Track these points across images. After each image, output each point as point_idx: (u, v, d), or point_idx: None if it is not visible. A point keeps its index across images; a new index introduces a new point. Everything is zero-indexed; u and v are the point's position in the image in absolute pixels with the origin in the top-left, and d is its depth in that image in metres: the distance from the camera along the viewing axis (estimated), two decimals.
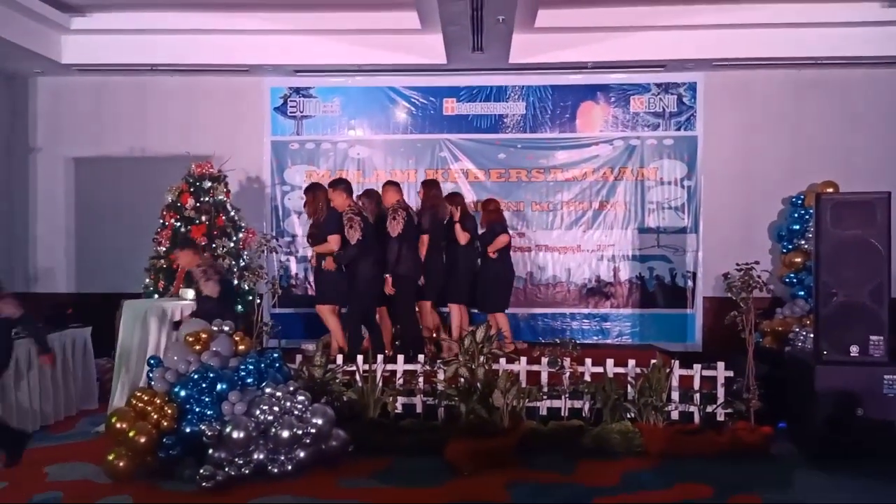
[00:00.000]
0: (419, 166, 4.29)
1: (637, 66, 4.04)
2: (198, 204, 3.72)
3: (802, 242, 3.74)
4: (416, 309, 3.53)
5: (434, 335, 3.51)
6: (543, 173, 4.24)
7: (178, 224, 3.71)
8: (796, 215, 3.79)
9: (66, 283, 4.44)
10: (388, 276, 3.32)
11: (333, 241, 3.26)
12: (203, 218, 3.70)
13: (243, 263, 3.73)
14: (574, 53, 3.91)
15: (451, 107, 4.26)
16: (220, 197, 3.81)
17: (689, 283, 4.16)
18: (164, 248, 3.69)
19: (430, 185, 3.61)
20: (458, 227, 3.53)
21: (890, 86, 3.85)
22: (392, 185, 3.56)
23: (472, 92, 4.24)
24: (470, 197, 4.19)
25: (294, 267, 4.34)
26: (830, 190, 3.60)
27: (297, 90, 4.36)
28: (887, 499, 2.10)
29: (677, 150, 4.21)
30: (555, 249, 4.19)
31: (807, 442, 2.60)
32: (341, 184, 3.50)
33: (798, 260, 3.72)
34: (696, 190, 4.19)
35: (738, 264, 2.87)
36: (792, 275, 3.78)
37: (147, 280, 3.71)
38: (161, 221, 3.77)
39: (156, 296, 3.53)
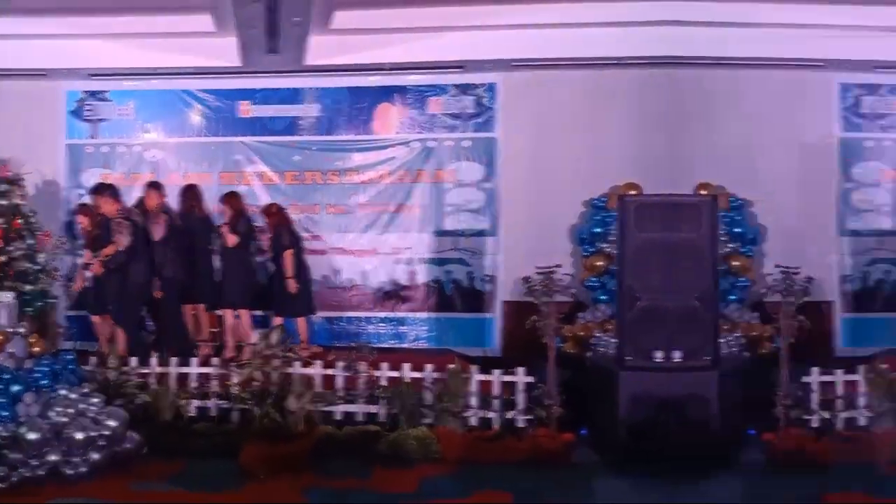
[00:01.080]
0: (214, 169, 5.16)
1: (436, 67, 5.02)
2: None
3: (605, 245, 4.49)
4: (184, 312, 4.18)
5: (207, 339, 4.14)
6: (339, 175, 5.12)
7: None
8: (598, 218, 4.58)
9: None
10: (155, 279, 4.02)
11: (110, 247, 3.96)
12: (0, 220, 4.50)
13: (38, 266, 4.55)
14: (371, 55, 4.89)
15: (245, 109, 5.18)
16: (16, 200, 4.69)
17: (488, 286, 4.90)
18: None
19: (186, 191, 4.39)
20: (224, 228, 4.26)
21: (688, 85, 4.77)
22: (154, 187, 4.34)
23: (267, 94, 5.20)
24: (265, 200, 4.96)
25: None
26: (633, 192, 4.41)
27: (92, 94, 5.34)
28: (687, 499, 2.61)
29: (476, 152, 5.11)
30: (351, 252, 4.98)
31: (609, 448, 3.16)
32: (106, 189, 4.27)
33: (600, 263, 4.46)
34: (496, 192, 5.03)
35: (538, 268, 3.60)
36: (594, 279, 4.53)
37: None
38: None
39: None
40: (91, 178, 5.26)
